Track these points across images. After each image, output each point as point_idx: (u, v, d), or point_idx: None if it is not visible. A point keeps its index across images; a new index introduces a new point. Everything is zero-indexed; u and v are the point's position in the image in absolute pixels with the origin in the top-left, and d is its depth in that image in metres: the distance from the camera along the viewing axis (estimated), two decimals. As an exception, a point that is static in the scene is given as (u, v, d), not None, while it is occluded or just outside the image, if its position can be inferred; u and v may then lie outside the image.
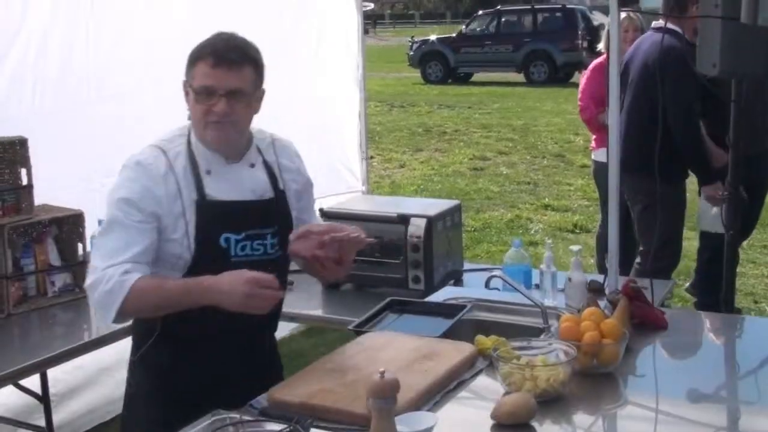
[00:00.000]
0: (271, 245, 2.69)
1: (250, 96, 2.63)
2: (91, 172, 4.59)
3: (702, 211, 5.16)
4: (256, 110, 2.69)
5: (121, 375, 4.67)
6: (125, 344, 4.51)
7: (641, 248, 5.17)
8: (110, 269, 2.48)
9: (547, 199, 10.00)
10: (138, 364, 2.77)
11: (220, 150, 2.66)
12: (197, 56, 2.61)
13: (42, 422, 4.13)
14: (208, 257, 2.59)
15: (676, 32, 4.62)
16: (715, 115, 4.67)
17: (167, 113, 4.92)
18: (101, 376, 4.66)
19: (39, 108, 4.41)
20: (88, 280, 2.54)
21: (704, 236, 5.60)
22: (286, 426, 1.95)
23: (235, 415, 2.04)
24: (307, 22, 6.24)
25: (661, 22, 4.90)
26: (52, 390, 4.27)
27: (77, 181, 4.50)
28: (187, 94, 2.65)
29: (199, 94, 2.59)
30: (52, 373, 4.15)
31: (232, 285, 2.46)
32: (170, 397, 2.66)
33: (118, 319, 2.53)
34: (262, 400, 2.44)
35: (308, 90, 6.25)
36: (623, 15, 4.92)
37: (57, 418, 4.32)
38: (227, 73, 2.57)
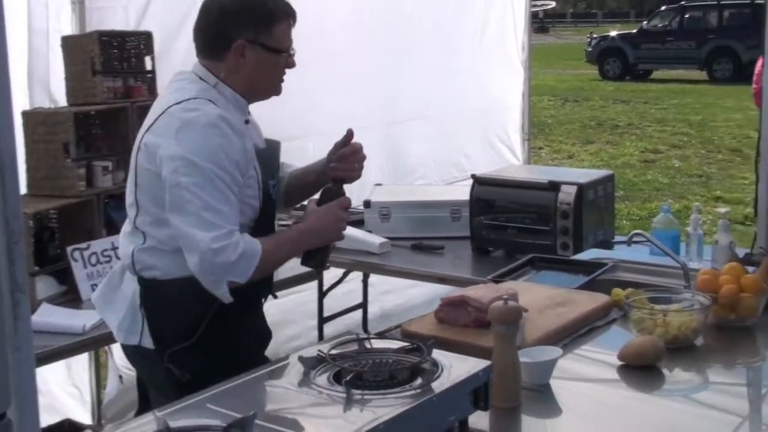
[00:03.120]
0: (273, 185, 2.68)
1: None
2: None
3: None
4: None
5: (292, 329, 4.88)
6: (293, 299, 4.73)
7: None
8: (235, 234, 2.37)
9: (719, 192, 9.74)
10: (188, 351, 2.45)
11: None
12: (273, 15, 2.51)
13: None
14: (268, 207, 2.61)
15: None
16: None
17: (342, 85, 5.23)
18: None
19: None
20: (218, 243, 2.32)
21: None
22: (409, 343, 2.03)
23: (364, 335, 2.14)
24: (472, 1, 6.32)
25: None
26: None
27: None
28: (242, 55, 2.49)
29: (290, 56, 2.55)
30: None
31: (317, 222, 2.55)
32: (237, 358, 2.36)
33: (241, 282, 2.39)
34: (395, 333, 2.54)
35: (471, 70, 6.33)
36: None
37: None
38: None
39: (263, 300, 2.73)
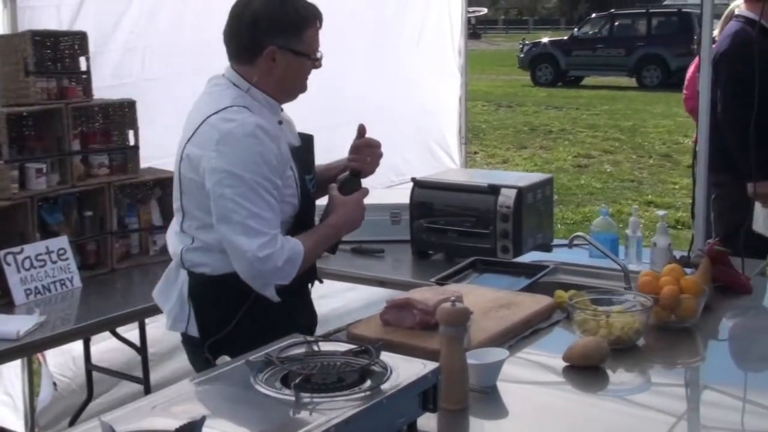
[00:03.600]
0: (310, 179, 2.79)
1: None
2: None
3: (756, 211, 4.27)
4: None
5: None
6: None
7: None
8: (279, 240, 2.49)
9: (650, 196, 9.90)
10: (227, 341, 2.57)
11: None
12: (304, 21, 2.59)
13: (140, 373, 4.29)
14: (307, 202, 2.71)
15: (750, 19, 4.32)
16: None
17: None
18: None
19: (148, 75, 4.59)
20: (264, 251, 2.46)
21: None
22: (357, 346, 2.01)
23: (311, 338, 2.11)
24: (410, 5, 6.32)
25: (742, 10, 4.49)
26: (151, 350, 4.42)
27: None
28: (272, 60, 2.58)
29: (318, 60, 2.65)
30: (151, 332, 4.29)
31: (348, 214, 2.70)
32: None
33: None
34: (341, 336, 2.52)
35: (408, 75, 6.32)
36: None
37: (154, 376, 4.47)
38: None
39: (310, 286, 2.86)
